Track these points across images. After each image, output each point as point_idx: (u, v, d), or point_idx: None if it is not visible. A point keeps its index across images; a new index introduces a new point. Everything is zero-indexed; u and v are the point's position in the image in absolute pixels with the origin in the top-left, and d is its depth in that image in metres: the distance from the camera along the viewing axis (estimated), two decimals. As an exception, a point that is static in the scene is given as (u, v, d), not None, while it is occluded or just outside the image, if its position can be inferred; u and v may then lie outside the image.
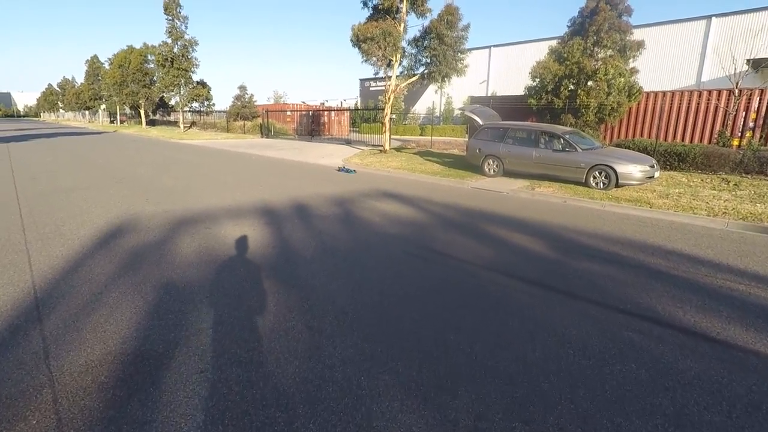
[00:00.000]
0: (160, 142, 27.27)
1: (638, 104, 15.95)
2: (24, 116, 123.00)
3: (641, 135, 16.06)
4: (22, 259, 5.15)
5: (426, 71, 17.94)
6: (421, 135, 34.99)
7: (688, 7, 54.91)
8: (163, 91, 37.12)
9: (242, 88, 38.84)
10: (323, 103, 53.91)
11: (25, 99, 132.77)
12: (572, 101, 15.70)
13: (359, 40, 16.65)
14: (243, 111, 38.34)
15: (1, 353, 3.17)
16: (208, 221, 6.96)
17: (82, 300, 4.06)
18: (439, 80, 17.69)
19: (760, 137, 14.62)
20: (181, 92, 37.03)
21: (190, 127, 43.16)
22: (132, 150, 20.71)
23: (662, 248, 5.96)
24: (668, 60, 29.09)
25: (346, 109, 41.41)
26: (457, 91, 37.25)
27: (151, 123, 51.75)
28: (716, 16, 27.86)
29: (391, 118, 21.11)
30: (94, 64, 58.41)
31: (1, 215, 7.39)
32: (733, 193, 9.87)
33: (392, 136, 29.29)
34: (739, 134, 14.87)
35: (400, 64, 17.97)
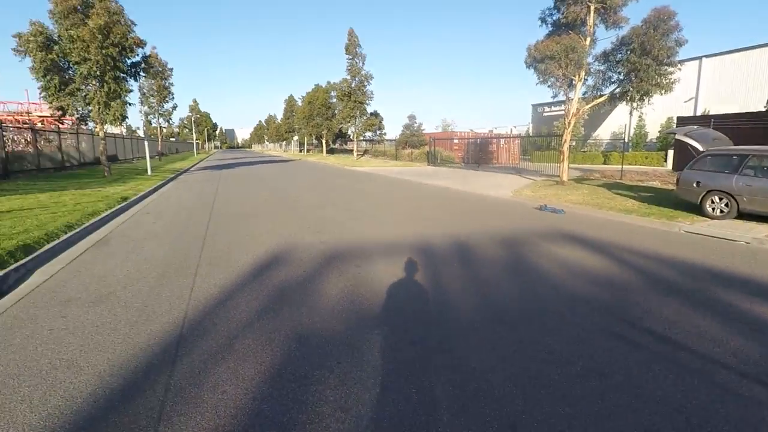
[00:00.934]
0: (335, 169, 29.41)
1: None
2: (241, 147, 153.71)
3: None
4: (188, 284, 5.26)
5: (618, 90, 15.22)
6: (604, 164, 30.75)
7: None
8: (341, 123, 40.55)
9: (411, 117, 40.17)
10: (491, 131, 52.47)
11: (242, 134, 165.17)
12: None
13: (536, 60, 14.99)
14: (411, 139, 39.43)
15: (121, 404, 2.81)
16: (361, 258, 6.30)
17: (218, 343, 3.68)
18: (636, 99, 14.78)
19: None
20: (356, 123, 39.93)
21: (363, 155, 46.31)
22: (309, 177, 22.51)
23: None
24: None
25: (517, 136, 39.22)
26: (653, 113, 31.74)
27: (330, 151, 57.44)
28: None
29: (570, 146, 18.64)
30: (290, 102, 68.18)
31: (193, 234, 8.05)
32: None
33: (570, 166, 26.26)
34: None
35: (584, 83, 15.64)
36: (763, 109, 13.83)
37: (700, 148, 9.67)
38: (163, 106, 41.19)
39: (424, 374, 3.16)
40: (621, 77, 14.84)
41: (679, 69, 13.96)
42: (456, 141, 35.69)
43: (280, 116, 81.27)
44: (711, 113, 25.43)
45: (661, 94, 14.32)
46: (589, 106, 15.78)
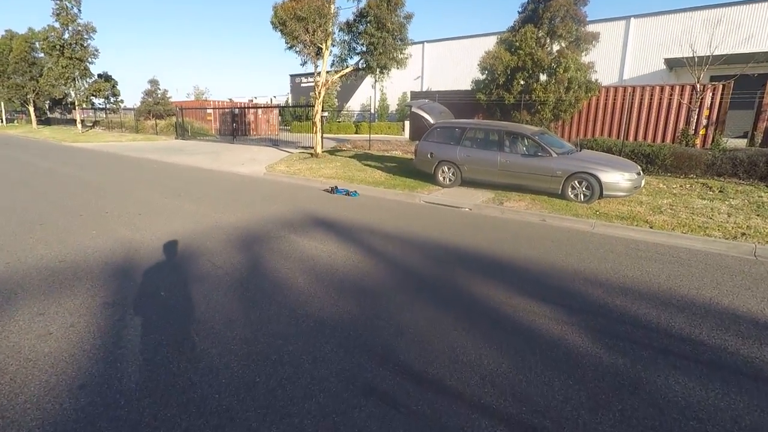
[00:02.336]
0: (46, 147, 22.62)
1: (596, 99, 14.64)
2: None
3: (599, 133, 14.78)
4: None
5: (361, 61, 15.54)
6: (356, 133, 32.60)
7: (610, 8, 57.27)
8: (52, 84, 31.55)
9: (153, 82, 34.23)
10: (252, 101, 49.75)
11: None
12: (526, 96, 14.02)
13: (281, 22, 13.87)
14: (155, 108, 33.75)
15: None
16: (18, 293, 4.09)
17: None
18: (377, 72, 15.37)
19: (713, 135, 13.80)
20: (77, 86, 31.78)
21: (92, 127, 37.61)
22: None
23: (715, 305, 4.01)
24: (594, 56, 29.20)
25: (274, 106, 37.97)
26: (392, 87, 35.21)
27: (46, 122, 44.98)
28: (635, 17, 29.28)
29: (323, 117, 18.52)
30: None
31: None
32: (727, 203, 8.43)
33: (325, 136, 26.67)
34: (693, 131, 14.00)
35: (330, 53, 15.40)
36: (469, 88, 16.04)
37: (431, 120, 10.42)
38: None
39: None
40: (364, 49, 15.12)
41: (411, 44, 15.01)
42: (209, 111, 32.12)
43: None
44: (433, 90, 29.49)
45: (398, 68, 15.21)
46: (337, 76, 15.72)
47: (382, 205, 8.77)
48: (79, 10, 31.11)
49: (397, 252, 5.64)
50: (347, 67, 15.86)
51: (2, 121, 50.36)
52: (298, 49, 14.41)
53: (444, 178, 10.20)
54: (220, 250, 5.52)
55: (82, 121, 35.24)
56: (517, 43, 13.96)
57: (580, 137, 14.23)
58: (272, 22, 14.40)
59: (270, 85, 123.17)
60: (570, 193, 8.50)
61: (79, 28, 30.83)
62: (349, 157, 15.95)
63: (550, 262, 5.34)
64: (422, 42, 38.60)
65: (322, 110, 18.50)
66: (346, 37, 15.40)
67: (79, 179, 11.31)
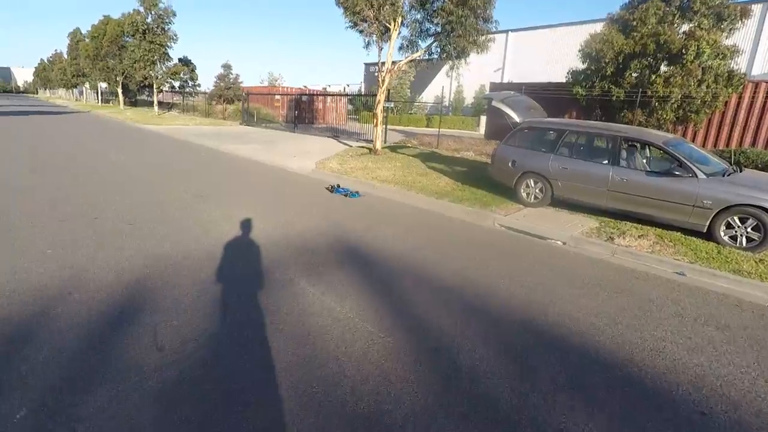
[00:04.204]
0: (118, 127, 22.86)
1: (738, 97, 11.23)
2: (23, 92, 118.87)
3: (740, 142, 11.37)
4: None
5: (435, 45, 13.24)
6: (427, 126, 30.32)
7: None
8: (133, 67, 32.41)
9: (226, 66, 34.18)
10: (325, 88, 48.97)
11: (25, 75, 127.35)
12: (641, 90, 10.96)
13: (344, -4, 11.97)
14: (226, 93, 33.71)
15: None
16: None
17: None
18: (453, 57, 13.02)
19: None
20: (156, 70, 32.41)
21: (170, 109, 38.64)
22: (69, 136, 16.24)
23: None
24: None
25: (344, 95, 36.62)
26: (469, 77, 32.17)
27: (134, 104, 47.29)
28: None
29: (387, 108, 16.49)
30: (75, 37, 53.60)
31: None
32: None
33: (394, 128, 24.69)
34: None
35: (399, 34, 13.24)
36: (559, 81, 13.22)
37: (517, 119, 7.96)
38: None
39: None
40: (438, 29, 12.81)
41: (496, 24, 12.47)
42: (277, 97, 31.37)
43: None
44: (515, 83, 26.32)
45: (478, 53, 12.75)
46: (405, 61, 13.54)
47: (442, 227, 6.58)
48: (163, -7, 31.58)
49: (460, 337, 3.45)
50: (418, 51, 13.64)
51: (99, 102, 54.06)
52: (361, 29, 12.44)
53: (528, 194, 7.75)
54: (181, 281, 3.67)
55: (159, 104, 36.16)
56: (635, 22, 10.92)
57: (713, 146, 11.00)
58: (335, -1, 12.56)
59: (346, 73, 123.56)
60: (723, 235, 5.75)
61: (161, 12, 31.29)
62: (413, 155, 13.78)
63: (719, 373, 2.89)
64: (506, 31, 35.17)
65: (387, 99, 16.49)
66: (418, 16, 13.16)
67: (111, 165, 10.22)
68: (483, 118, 26.82)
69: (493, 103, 8.13)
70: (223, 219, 6.28)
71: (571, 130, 7.39)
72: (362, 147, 15.50)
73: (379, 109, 13.55)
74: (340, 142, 18.02)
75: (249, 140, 17.78)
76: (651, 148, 6.78)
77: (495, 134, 15.64)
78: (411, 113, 34.90)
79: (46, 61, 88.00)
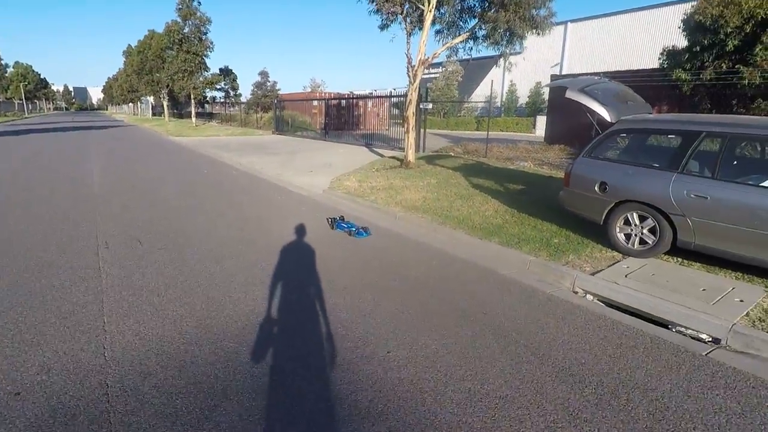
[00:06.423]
0: (143, 139, 21.79)
1: None
2: (97, 109, 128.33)
3: None
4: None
5: (480, 27, 10.43)
6: (476, 129, 27.25)
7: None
8: (172, 78, 31.81)
9: (263, 74, 32.92)
10: (371, 93, 46.85)
11: (98, 93, 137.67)
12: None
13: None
14: (264, 101, 32.37)
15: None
16: None
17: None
18: (504, 42, 10.17)
19: None
20: (193, 80, 31.60)
21: (210, 120, 38.04)
22: (91, 154, 14.97)
23: None
24: None
25: (385, 97, 34.17)
26: (523, 72, 28.50)
27: (180, 116, 47.53)
28: None
29: (424, 110, 13.81)
30: (129, 53, 55.24)
31: None
32: None
33: (439, 132, 21.92)
34: None
35: (434, 19, 10.51)
36: (656, 66, 9.98)
37: (608, 116, 5.01)
38: None
39: None
40: (485, 6, 10.01)
41: (554, 21, 9.54)
42: (315, 103, 29.44)
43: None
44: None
45: (538, 34, 9.81)
46: (443, 48, 10.80)
47: (486, 301, 3.79)
48: (200, 2, 30.74)
49: None
50: (460, 35, 10.87)
51: (150, 115, 55.26)
52: (385, 10, 9.89)
53: (629, 236, 4.80)
54: None
55: (201, 115, 35.54)
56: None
57: None
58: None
59: (392, 77, 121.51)
60: None
61: (197, 21, 30.45)
62: (453, 168, 10.96)
63: None
64: (564, 22, 31.08)
65: (426, 100, 13.84)
66: (459, -7, 10.44)
67: (73, 191, 8.28)
68: (540, 119, 23.44)
69: (569, 94, 5.23)
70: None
71: (716, 132, 4.35)
72: (394, 158, 12.90)
73: (410, 112, 10.87)
74: (371, 151, 15.55)
75: (271, 152, 15.77)
76: None
77: (561, 136, 12.44)
78: (459, 115, 31.90)
79: (111, 78, 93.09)
